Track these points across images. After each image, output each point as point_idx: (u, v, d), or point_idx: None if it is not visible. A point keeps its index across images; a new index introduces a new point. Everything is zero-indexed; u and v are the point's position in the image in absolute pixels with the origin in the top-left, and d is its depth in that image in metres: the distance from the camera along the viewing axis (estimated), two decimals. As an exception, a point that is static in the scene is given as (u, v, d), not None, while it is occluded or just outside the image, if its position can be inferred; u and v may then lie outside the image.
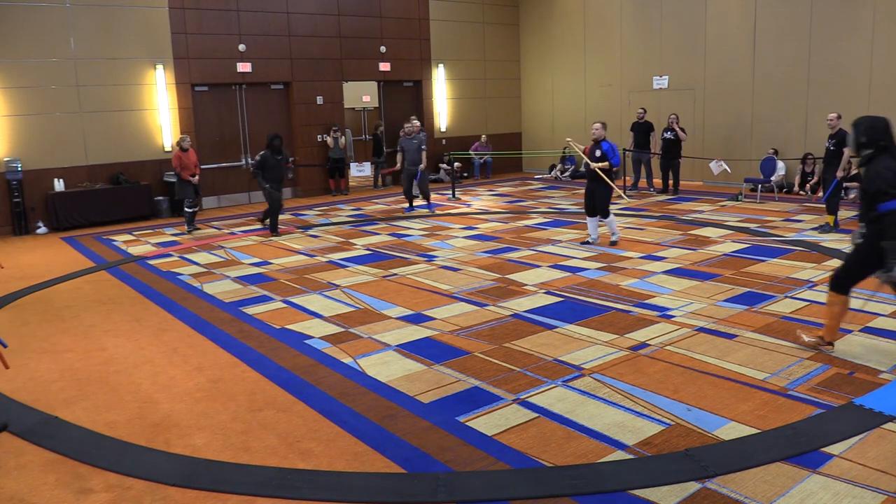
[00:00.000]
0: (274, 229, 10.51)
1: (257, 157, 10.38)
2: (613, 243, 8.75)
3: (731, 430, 3.80)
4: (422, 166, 12.12)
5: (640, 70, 15.43)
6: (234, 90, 14.17)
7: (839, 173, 8.87)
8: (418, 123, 13.73)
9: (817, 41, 12.48)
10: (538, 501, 3.23)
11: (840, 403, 4.08)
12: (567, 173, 16.51)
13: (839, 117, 8.99)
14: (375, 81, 16.21)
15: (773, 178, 12.54)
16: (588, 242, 8.85)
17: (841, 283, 4.75)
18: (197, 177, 11.24)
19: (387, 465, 3.61)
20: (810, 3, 12.47)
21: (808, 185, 12.39)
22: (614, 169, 8.80)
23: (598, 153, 8.64)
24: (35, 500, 3.43)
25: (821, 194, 10.65)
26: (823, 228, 9.05)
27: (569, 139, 9.73)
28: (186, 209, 11.29)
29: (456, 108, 17.32)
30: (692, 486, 3.27)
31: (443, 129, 17.11)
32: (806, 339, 5.00)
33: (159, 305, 6.94)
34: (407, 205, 12.54)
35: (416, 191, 13.94)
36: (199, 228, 11.49)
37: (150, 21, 12.76)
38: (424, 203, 12.39)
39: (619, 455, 3.60)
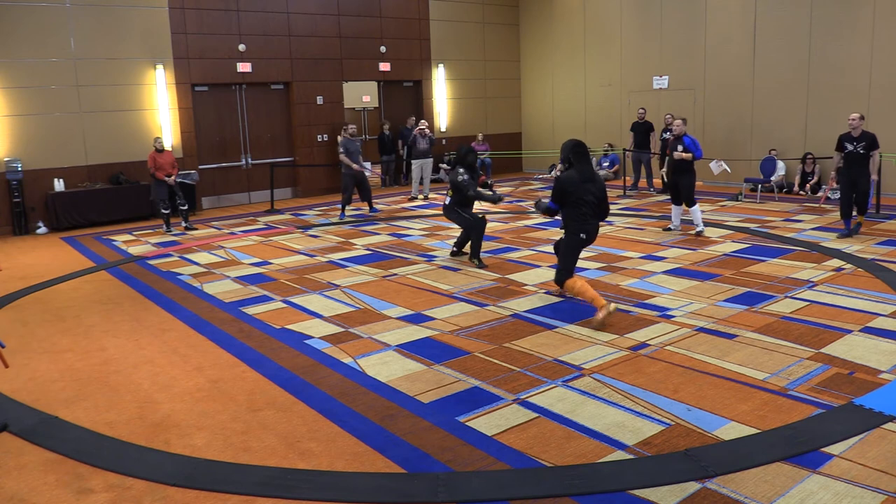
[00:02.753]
0: (475, 256, 7.97)
1: (460, 179, 7.94)
2: (699, 233, 9.09)
3: (731, 430, 3.80)
4: (367, 171, 11.95)
5: (640, 70, 15.43)
6: (234, 90, 14.17)
7: (875, 176, 8.66)
8: (426, 122, 13.67)
9: (817, 41, 12.48)
10: (538, 501, 3.23)
11: (840, 403, 4.08)
12: (567, 173, 16.49)
13: (862, 118, 8.59)
14: (375, 81, 16.21)
15: (773, 178, 12.54)
16: (669, 229, 9.50)
17: (570, 272, 6.01)
18: (173, 177, 11.22)
19: (387, 465, 3.61)
20: (810, 3, 12.47)
21: (808, 185, 12.40)
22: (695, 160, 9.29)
23: (679, 147, 9.19)
24: (35, 500, 3.43)
25: (821, 194, 10.59)
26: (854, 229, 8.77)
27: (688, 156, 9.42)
28: (162, 210, 11.31)
29: (456, 108, 17.32)
30: (692, 486, 3.27)
31: (443, 129, 17.11)
32: (598, 316, 5.58)
33: (159, 305, 6.94)
34: (341, 212, 12.15)
35: (418, 191, 13.94)
36: (195, 228, 11.49)
37: (150, 21, 12.76)
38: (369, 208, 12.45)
39: (619, 455, 3.60)
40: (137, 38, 12.65)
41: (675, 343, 5.19)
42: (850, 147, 8.58)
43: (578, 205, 5.91)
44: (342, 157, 11.96)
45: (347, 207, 12.26)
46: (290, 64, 14.53)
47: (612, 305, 5.60)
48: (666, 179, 9.74)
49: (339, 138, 14.81)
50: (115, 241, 10.75)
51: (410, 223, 11.21)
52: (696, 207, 9.22)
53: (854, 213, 8.82)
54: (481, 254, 8.09)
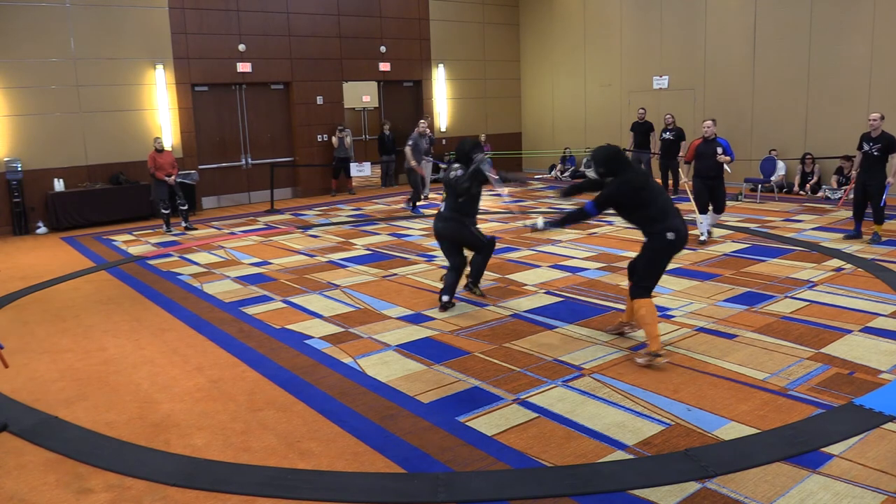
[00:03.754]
0: (476, 284, 6.73)
1: (452, 175, 6.27)
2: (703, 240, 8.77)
3: (731, 430, 3.80)
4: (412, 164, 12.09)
5: (640, 70, 15.43)
6: (234, 90, 14.16)
7: (891, 179, 8.20)
8: (425, 122, 13.70)
9: (817, 41, 12.48)
10: (538, 501, 3.23)
11: (840, 403, 4.08)
12: (567, 173, 16.50)
13: (882, 118, 8.25)
14: (375, 81, 16.21)
15: (773, 178, 12.55)
16: (704, 241, 8.66)
17: (649, 290, 4.92)
18: (173, 177, 11.23)
19: (387, 465, 3.61)
20: (810, 3, 12.47)
21: (808, 185, 12.41)
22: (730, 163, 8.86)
23: (719, 150, 8.47)
24: (35, 500, 3.43)
25: (827, 195, 10.50)
26: (874, 238, 8.34)
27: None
28: (162, 210, 11.34)
29: (456, 108, 17.32)
30: (692, 486, 3.27)
31: (443, 129, 17.11)
32: (639, 360, 4.81)
33: (159, 305, 6.94)
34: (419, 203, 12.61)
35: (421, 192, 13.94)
36: (195, 228, 11.49)
37: (150, 21, 12.76)
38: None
39: (619, 455, 3.60)
40: (137, 38, 12.65)
41: (675, 343, 5.19)
42: (866, 147, 8.30)
43: (647, 205, 4.82)
44: (408, 150, 12.03)
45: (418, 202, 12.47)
46: (290, 64, 14.53)
47: (663, 359, 4.75)
48: (688, 185, 9.12)
49: (335, 138, 14.82)
50: (115, 241, 10.75)
51: (410, 223, 11.22)
52: (719, 214, 8.84)
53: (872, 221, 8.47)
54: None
